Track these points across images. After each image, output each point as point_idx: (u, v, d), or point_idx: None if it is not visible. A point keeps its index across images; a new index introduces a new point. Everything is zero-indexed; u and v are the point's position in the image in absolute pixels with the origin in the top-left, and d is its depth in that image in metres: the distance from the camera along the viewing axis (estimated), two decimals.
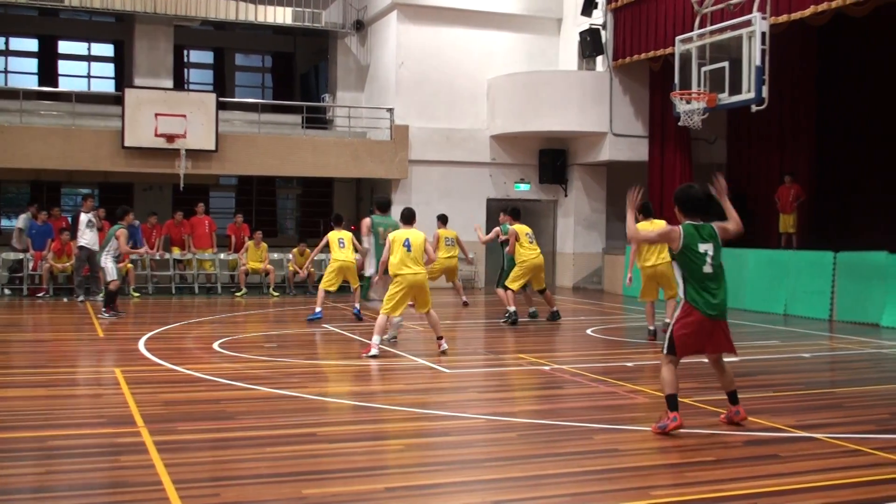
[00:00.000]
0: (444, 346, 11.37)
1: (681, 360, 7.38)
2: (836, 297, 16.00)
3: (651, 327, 13.15)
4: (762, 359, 11.55)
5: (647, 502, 5.42)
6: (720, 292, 7.19)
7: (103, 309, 15.61)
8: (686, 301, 7.19)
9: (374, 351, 10.98)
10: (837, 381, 10.44)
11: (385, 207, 13.68)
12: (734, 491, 5.61)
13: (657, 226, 12.26)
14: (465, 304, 17.48)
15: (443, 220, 17.76)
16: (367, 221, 14.01)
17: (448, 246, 17.27)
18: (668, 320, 12.92)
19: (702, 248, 7.11)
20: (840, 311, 15.88)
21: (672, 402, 7.05)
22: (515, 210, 15.47)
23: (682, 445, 6.82)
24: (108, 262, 15.55)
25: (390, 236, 11.33)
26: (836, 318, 15.88)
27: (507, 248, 14.97)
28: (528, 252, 14.64)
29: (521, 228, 14.85)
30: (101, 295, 16.65)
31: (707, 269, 7.11)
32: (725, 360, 7.55)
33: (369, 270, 13.56)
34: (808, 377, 10.42)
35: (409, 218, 11.61)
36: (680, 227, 7.24)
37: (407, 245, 11.14)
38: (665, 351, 7.29)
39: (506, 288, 14.79)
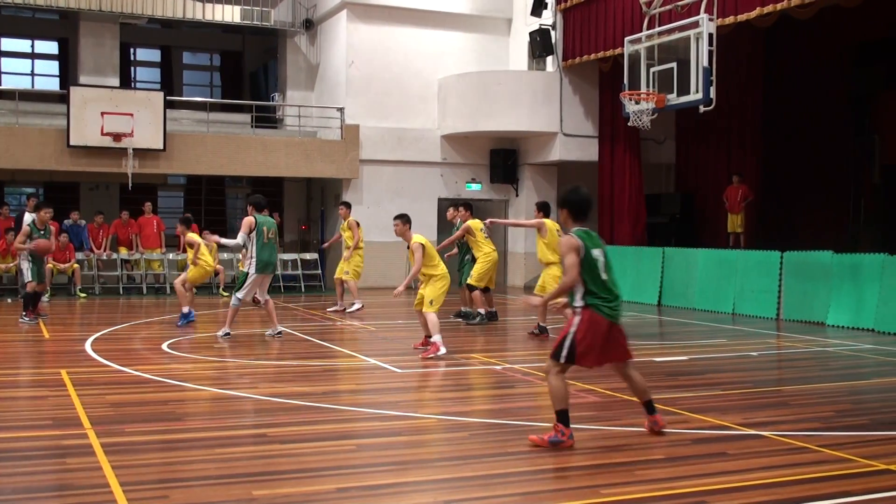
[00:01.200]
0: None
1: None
2: (783, 297, 16.22)
3: (542, 324, 13.31)
4: (710, 357, 11.68)
5: (598, 500, 5.45)
6: (618, 297, 7.01)
7: (23, 313, 14.54)
8: (588, 307, 6.86)
9: (442, 350, 11.08)
10: (784, 380, 10.59)
11: (262, 208, 13.10)
12: (683, 489, 5.66)
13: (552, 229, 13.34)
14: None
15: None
16: (250, 220, 13.20)
17: None
18: (541, 324, 13.09)
19: (595, 253, 6.89)
20: (787, 309, 16.10)
21: (564, 418, 6.71)
22: (469, 205, 15.67)
23: (632, 444, 6.87)
24: (23, 262, 14.71)
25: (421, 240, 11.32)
26: (783, 316, 16.10)
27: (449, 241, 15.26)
28: (488, 247, 14.68)
29: (476, 223, 14.83)
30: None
31: (603, 274, 6.91)
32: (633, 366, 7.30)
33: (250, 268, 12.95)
34: (756, 375, 10.55)
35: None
36: (575, 236, 6.97)
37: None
38: (562, 360, 6.76)
39: (472, 288, 14.69)
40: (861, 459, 6.36)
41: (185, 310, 14.35)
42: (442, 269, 11.45)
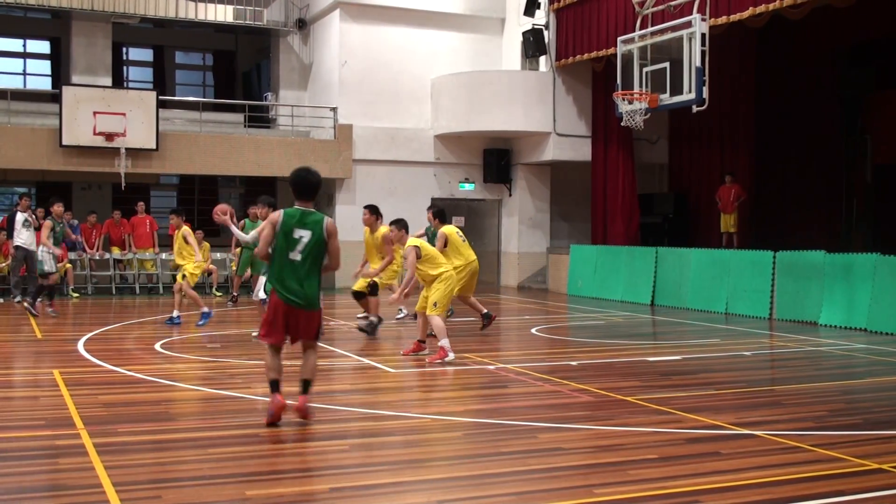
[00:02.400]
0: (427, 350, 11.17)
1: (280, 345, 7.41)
2: (776, 296, 16.25)
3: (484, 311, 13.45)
4: (703, 357, 11.69)
5: (591, 500, 5.45)
6: (305, 282, 7.13)
7: (48, 304, 15.65)
8: (273, 289, 7.25)
9: (451, 355, 10.64)
10: (777, 379, 10.61)
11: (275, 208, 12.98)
12: (676, 488, 5.67)
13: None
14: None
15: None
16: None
17: None
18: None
19: (297, 233, 7.08)
20: (779, 309, 16.13)
21: (273, 385, 7.20)
22: (442, 211, 14.05)
23: (625, 444, 6.87)
24: (45, 255, 15.44)
25: (446, 231, 11.21)
26: (776, 316, 16.12)
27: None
28: (460, 260, 13.11)
29: (451, 229, 13.42)
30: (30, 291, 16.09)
31: (294, 255, 7.08)
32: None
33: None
34: (749, 375, 10.57)
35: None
36: (281, 211, 7.26)
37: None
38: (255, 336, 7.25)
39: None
40: (854, 459, 6.37)
41: (205, 309, 14.41)
42: (445, 268, 11.06)
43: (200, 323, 14.19)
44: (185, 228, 14.93)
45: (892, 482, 5.84)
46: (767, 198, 21.43)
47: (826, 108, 20.70)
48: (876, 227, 20.33)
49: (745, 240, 20.23)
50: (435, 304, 10.86)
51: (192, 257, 14.73)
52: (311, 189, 7.29)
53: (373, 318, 13.03)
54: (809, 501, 5.43)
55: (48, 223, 15.72)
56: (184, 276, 14.56)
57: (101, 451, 6.38)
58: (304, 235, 7.11)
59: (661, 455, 6.52)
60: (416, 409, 8.21)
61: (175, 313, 14.46)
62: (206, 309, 14.35)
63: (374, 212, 13.33)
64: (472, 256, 13.29)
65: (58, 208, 16.08)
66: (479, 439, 7.07)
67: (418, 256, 10.90)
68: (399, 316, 15.30)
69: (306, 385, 7.40)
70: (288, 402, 7.35)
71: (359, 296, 13.29)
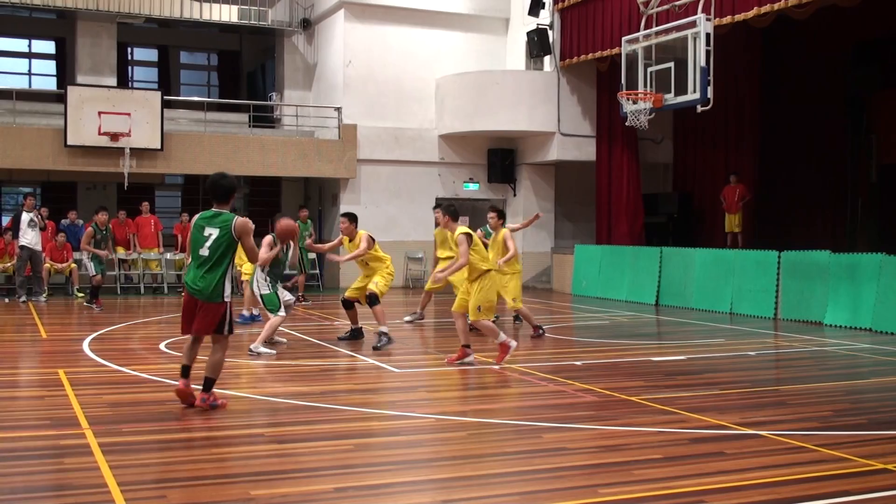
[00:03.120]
0: (471, 357, 10.66)
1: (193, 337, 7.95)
2: (781, 296, 16.23)
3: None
4: (708, 357, 11.68)
5: (596, 500, 5.45)
6: (208, 275, 7.68)
7: (93, 303, 16.81)
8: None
9: (513, 344, 10.44)
10: (782, 379, 10.59)
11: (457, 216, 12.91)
12: (681, 488, 5.66)
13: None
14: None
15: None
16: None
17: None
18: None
19: (207, 231, 7.73)
20: (784, 309, 16.11)
21: (181, 370, 7.84)
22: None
23: (629, 444, 6.87)
24: (86, 259, 16.94)
25: (468, 231, 10.40)
26: (781, 316, 16.10)
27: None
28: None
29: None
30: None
31: (203, 251, 7.71)
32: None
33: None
34: (754, 375, 10.55)
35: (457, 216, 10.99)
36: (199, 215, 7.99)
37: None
38: None
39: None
40: (859, 459, 6.36)
41: (246, 312, 14.69)
42: (487, 265, 10.42)
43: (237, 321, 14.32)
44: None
45: None
46: (772, 198, 21.40)
47: (831, 108, 20.67)
48: (881, 227, 20.29)
49: (749, 240, 20.20)
50: (479, 309, 10.31)
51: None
52: (224, 192, 7.87)
53: (383, 329, 12.27)
54: (814, 501, 5.41)
55: (90, 230, 16.84)
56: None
57: (106, 450, 6.39)
58: (213, 233, 7.72)
59: (665, 455, 6.51)
60: (421, 409, 8.21)
61: (250, 311, 14.81)
62: (246, 312, 14.65)
63: (352, 220, 12.92)
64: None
65: (101, 216, 17.18)
66: (484, 439, 7.07)
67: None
68: (407, 319, 15.18)
69: (207, 382, 7.84)
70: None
71: (347, 305, 12.75)
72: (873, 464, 6.25)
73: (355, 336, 12.68)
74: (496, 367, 10.37)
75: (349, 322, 12.85)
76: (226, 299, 7.77)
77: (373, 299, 12.31)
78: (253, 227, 7.86)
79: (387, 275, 12.60)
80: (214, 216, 7.80)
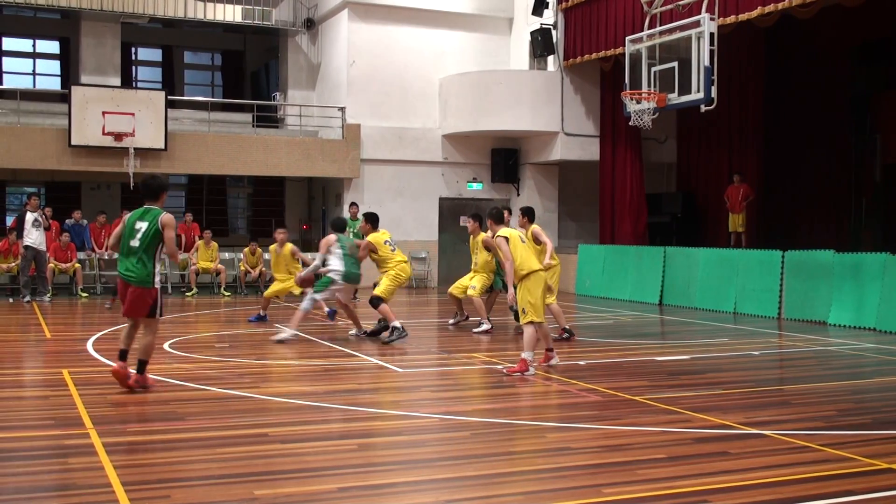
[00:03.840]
0: (555, 359, 10.47)
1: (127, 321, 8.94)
2: (785, 296, 16.22)
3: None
4: (712, 357, 11.67)
5: (599, 500, 5.45)
6: (139, 264, 8.59)
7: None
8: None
9: (532, 370, 9.89)
10: (786, 379, 10.59)
11: (342, 228, 13.31)
12: (684, 488, 5.66)
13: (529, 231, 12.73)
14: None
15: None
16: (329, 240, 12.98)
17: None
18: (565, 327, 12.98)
19: (138, 225, 8.64)
20: (788, 309, 16.10)
21: (119, 354, 8.74)
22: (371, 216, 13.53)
23: (633, 443, 6.87)
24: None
25: (508, 234, 10.16)
26: (785, 316, 16.09)
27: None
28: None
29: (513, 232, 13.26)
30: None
31: (134, 242, 8.62)
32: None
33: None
34: (757, 375, 10.55)
35: (501, 218, 10.63)
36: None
37: (522, 240, 10.33)
38: None
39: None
40: (863, 458, 6.36)
41: (262, 313, 15.07)
42: (531, 265, 10.05)
43: (251, 319, 14.96)
44: (292, 246, 15.46)
45: None
46: (776, 197, 21.38)
47: (835, 108, 20.64)
48: (885, 227, 20.27)
49: (753, 239, 20.19)
50: (524, 311, 9.94)
51: (292, 273, 15.02)
52: (154, 191, 8.84)
53: (395, 324, 12.47)
54: (818, 501, 5.41)
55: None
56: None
57: (110, 450, 6.40)
58: (142, 227, 8.63)
59: (669, 455, 6.51)
60: (425, 409, 8.22)
61: (326, 309, 15.12)
62: (262, 313, 15.02)
63: (367, 220, 13.07)
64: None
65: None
66: (487, 439, 7.07)
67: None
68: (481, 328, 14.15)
69: (140, 364, 8.78)
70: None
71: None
72: (877, 463, 6.24)
73: (401, 333, 12.74)
74: (503, 369, 10.24)
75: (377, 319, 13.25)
76: (156, 285, 8.72)
77: (373, 302, 12.50)
78: (175, 222, 8.84)
79: (392, 276, 12.73)
80: (146, 212, 8.74)
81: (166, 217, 8.68)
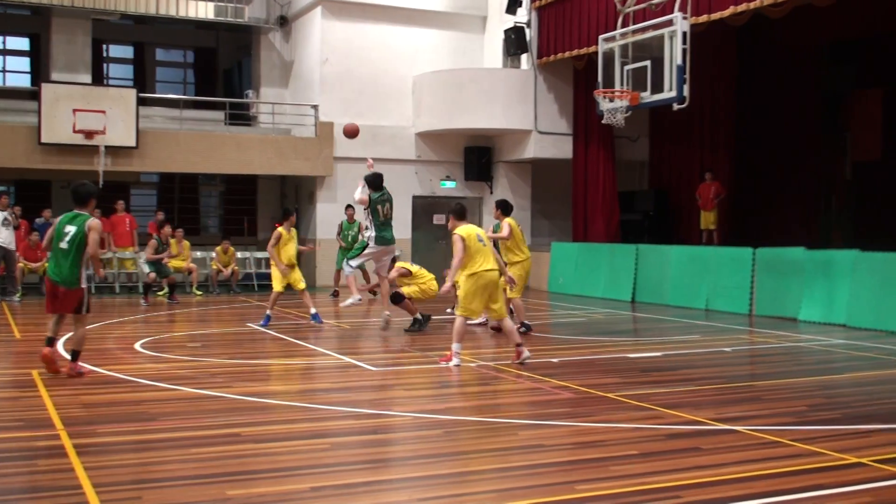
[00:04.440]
0: (526, 353, 10.58)
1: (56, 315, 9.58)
2: (756, 293, 16.33)
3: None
4: (684, 353, 11.73)
5: (572, 496, 5.46)
6: (66, 265, 9.23)
7: (143, 299, 18.06)
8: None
9: (455, 360, 10.29)
10: (757, 375, 10.66)
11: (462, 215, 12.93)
12: (657, 484, 5.69)
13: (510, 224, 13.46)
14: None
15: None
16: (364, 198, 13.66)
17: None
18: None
19: (67, 228, 9.25)
20: (759, 305, 16.21)
21: (46, 340, 9.47)
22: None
23: (606, 440, 6.89)
24: (144, 264, 18.47)
25: (466, 234, 10.48)
26: (756, 312, 16.20)
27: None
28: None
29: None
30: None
31: (63, 244, 9.22)
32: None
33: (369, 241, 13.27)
34: (729, 371, 10.62)
35: (462, 213, 10.91)
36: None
37: (480, 239, 10.53)
38: None
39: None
40: (833, 453, 6.41)
41: (313, 310, 14.51)
42: (482, 265, 10.41)
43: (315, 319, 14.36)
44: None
45: (871, 476, 5.89)
46: (747, 195, 21.52)
47: (806, 106, 20.80)
48: (855, 224, 20.48)
49: (725, 237, 20.31)
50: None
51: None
52: (82, 197, 9.46)
53: (387, 314, 13.27)
54: (789, 496, 5.46)
55: (153, 243, 18.35)
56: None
57: (80, 451, 6.35)
58: (71, 230, 9.22)
59: (641, 451, 6.54)
60: (397, 408, 8.21)
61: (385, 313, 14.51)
62: (313, 311, 14.46)
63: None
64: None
65: (167, 229, 19.10)
66: (460, 437, 7.08)
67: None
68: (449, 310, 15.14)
69: (73, 354, 9.46)
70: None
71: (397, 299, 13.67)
72: (847, 458, 6.30)
73: (421, 325, 13.60)
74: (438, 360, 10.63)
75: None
76: (82, 285, 9.37)
77: (394, 298, 13.54)
78: (101, 227, 9.53)
79: (420, 286, 14.07)
80: (75, 217, 9.34)
81: (92, 222, 9.33)
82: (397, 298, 13.43)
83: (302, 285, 14.43)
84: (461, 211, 10.97)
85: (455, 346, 10.36)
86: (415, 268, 14.52)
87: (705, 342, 12.83)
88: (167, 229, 19.14)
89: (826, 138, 21.00)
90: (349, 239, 19.72)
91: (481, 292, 10.40)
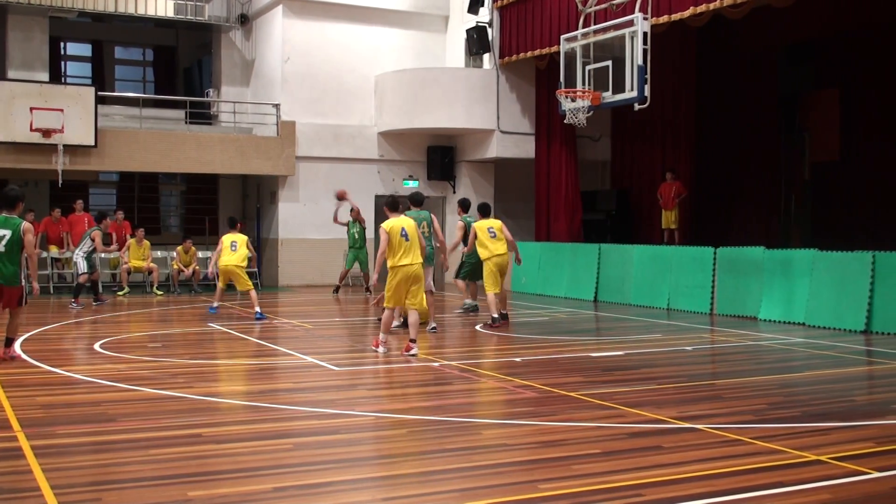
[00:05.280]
0: (415, 350, 11.03)
1: None
2: (717, 292, 16.46)
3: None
4: (646, 352, 11.80)
5: (535, 495, 5.47)
6: (7, 266, 9.95)
7: (94, 300, 17.67)
8: None
9: (381, 349, 11.16)
10: (718, 374, 10.75)
11: (468, 208, 14.06)
12: (619, 482, 5.71)
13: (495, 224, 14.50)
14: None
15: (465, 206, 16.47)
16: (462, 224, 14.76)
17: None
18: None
19: (1, 232, 9.94)
20: (720, 304, 16.34)
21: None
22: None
23: (569, 439, 6.91)
24: (79, 259, 17.61)
25: (390, 228, 11.02)
26: (717, 311, 16.34)
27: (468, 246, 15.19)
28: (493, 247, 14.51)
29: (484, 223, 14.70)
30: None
31: (0, 248, 9.91)
32: None
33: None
34: (690, 370, 10.69)
35: (396, 206, 11.44)
36: None
37: (404, 234, 11.00)
38: None
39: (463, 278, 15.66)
40: (793, 451, 6.47)
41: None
42: (402, 260, 11.04)
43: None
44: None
45: (829, 473, 5.95)
46: (708, 194, 21.69)
47: (765, 107, 21.01)
48: (814, 224, 20.71)
49: (686, 236, 20.45)
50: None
51: None
52: (9, 201, 10.23)
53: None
54: (750, 493, 5.50)
55: (98, 233, 17.70)
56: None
57: (39, 453, 6.27)
58: (6, 234, 9.96)
59: (604, 450, 6.57)
60: (360, 407, 8.18)
61: (256, 309, 15.19)
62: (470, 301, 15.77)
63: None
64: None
65: (107, 222, 18.93)
66: (424, 436, 7.07)
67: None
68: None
69: (8, 341, 10.40)
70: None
71: None
72: (806, 455, 6.36)
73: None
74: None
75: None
76: (21, 282, 10.17)
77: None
78: (34, 229, 10.47)
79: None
80: (6, 221, 10.07)
81: (26, 226, 10.17)
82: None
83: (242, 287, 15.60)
84: (394, 203, 11.45)
85: (381, 336, 11.23)
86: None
87: (667, 341, 12.92)
88: (107, 222, 18.95)
89: (785, 139, 21.23)
90: (355, 237, 20.29)
91: (400, 285, 11.01)
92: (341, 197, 19.56)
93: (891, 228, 17.39)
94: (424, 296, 11.54)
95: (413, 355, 10.86)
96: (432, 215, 13.70)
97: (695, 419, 7.51)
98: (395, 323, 12.93)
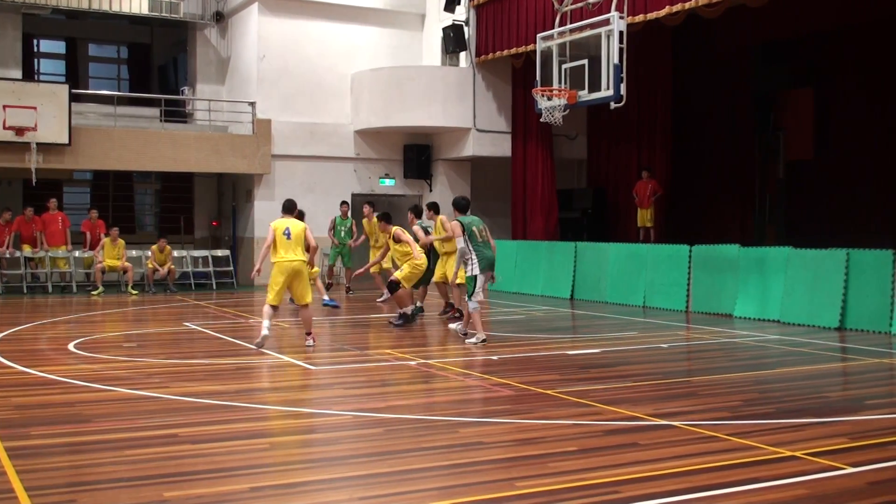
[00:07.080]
0: (311, 342, 11.60)
1: None
2: (692, 289, 16.54)
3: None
4: (622, 350, 11.85)
5: (512, 493, 5.47)
6: None
7: None
8: None
9: (258, 339, 11.41)
10: (693, 371, 10.80)
11: (465, 208, 13.64)
12: (596, 479, 5.73)
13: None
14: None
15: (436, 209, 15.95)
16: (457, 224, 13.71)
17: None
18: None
19: None
20: (695, 302, 16.42)
21: None
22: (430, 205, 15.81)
23: (545, 436, 6.93)
24: None
25: (275, 226, 11.60)
26: (692, 309, 16.42)
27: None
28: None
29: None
30: None
31: None
32: None
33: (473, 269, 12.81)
34: (666, 367, 10.74)
35: (290, 208, 12.05)
36: None
37: (287, 234, 11.48)
38: None
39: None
40: (768, 447, 6.52)
41: (419, 303, 15.03)
42: (280, 256, 11.54)
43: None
44: (396, 228, 14.67)
45: (804, 469, 5.99)
46: (683, 193, 21.81)
47: (740, 106, 21.15)
48: (788, 222, 20.87)
49: (661, 234, 20.56)
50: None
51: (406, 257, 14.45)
52: None
53: (405, 310, 14.03)
54: (726, 489, 5.53)
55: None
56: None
57: (12, 455, 6.21)
58: None
59: (580, 447, 6.59)
60: (337, 406, 8.17)
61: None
62: (419, 304, 15.05)
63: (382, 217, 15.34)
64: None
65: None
66: (401, 435, 7.06)
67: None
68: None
69: None
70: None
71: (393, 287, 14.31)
72: (781, 451, 6.41)
73: (408, 320, 14.14)
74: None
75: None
76: None
77: (392, 286, 13.99)
78: None
79: (414, 266, 14.02)
80: None
81: None
82: (393, 287, 13.98)
83: None
84: (289, 206, 12.08)
85: (265, 323, 11.40)
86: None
87: (643, 339, 12.97)
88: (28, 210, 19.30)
89: (760, 137, 21.37)
90: (342, 234, 20.16)
91: (279, 279, 11.45)
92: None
93: (864, 226, 17.55)
94: (308, 290, 11.83)
95: (308, 347, 11.50)
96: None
97: (671, 416, 7.55)
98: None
